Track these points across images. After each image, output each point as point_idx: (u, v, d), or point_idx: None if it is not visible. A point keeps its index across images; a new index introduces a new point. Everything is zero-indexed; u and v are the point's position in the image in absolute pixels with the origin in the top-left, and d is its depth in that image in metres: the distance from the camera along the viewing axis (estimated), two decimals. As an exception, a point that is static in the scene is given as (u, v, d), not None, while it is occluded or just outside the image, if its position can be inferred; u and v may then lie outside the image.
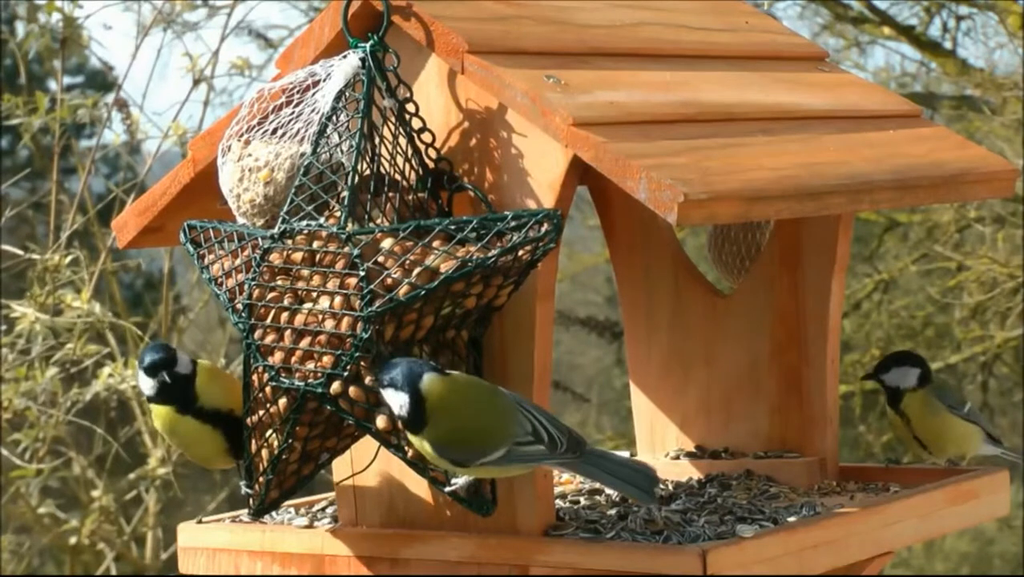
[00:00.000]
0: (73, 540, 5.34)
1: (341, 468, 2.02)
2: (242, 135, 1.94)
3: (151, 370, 2.04)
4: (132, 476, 5.36)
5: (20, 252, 4.98)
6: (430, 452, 1.80)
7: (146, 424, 5.17)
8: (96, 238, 5.17)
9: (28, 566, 5.80)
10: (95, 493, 5.30)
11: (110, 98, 5.07)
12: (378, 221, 1.87)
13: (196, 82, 5.00)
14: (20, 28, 5.77)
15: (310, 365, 1.83)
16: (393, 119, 1.91)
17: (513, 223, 1.80)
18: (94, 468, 5.40)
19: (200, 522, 2.10)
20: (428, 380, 1.77)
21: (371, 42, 1.90)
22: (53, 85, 6.22)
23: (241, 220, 1.92)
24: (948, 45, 7.28)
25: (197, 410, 2.03)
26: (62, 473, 5.28)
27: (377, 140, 1.89)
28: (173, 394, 2.04)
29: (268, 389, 1.87)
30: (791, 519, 1.95)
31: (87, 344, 4.83)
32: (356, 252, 1.80)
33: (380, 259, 1.80)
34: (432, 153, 1.92)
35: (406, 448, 1.84)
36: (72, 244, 4.94)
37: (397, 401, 1.78)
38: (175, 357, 2.04)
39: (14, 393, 4.76)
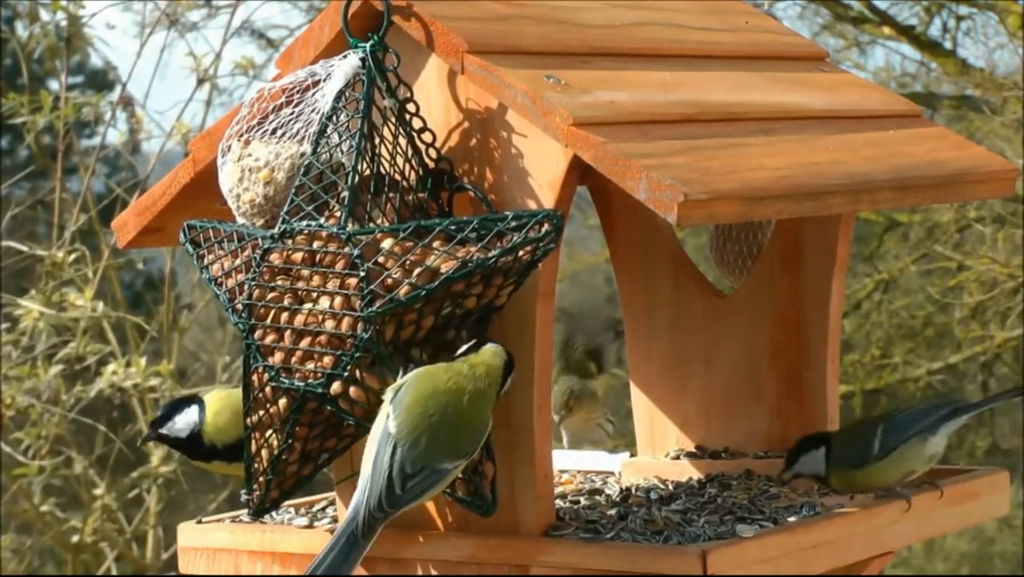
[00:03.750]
0: (75, 539, 5.35)
1: (341, 468, 2.02)
2: (242, 135, 1.94)
3: (151, 427, 2.12)
4: (135, 475, 5.36)
5: (24, 248, 4.98)
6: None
7: (147, 424, 5.17)
8: (98, 237, 5.18)
9: (28, 566, 5.80)
10: (97, 492, 5.30)
11: (113, 97, 5.07)
12: (378, 221, 1.86)
13: (200, 82, 5.00)
14: (20, 28, 5.77)
15: (310, 365, 1.83)
16: (393, 119, 1.91)
17: (513, 223, 1.80)
18: (95, 467, 5.40)
19: (200, 522, 2.10)
20: None
21: (371, 42, 1.90)
22: (53, 85, 6.22)
23: (241, 220, 1.92)
24: (948, 45, 7.28)
25: (209, 452, 2.07)
26: (63, 472, 5.28)
27: (377, 140, 1.89)
28: (181, 448, 2.11)
29: (268, 389, 1.87)
30: (791, 519, 1.95)
31: (90, 342, 4.83)
32: (356, 252, 1.80)
33: (380, 259, 1.80)
34: (432, 153, 1.92)
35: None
36: (74, 243, 4.95)
37: None
38: (168, 416, 2.10)
39: (16, 391, 4.77)
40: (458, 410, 1.80)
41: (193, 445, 2.09)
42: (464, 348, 1.84)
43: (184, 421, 2.09)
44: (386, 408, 1.79)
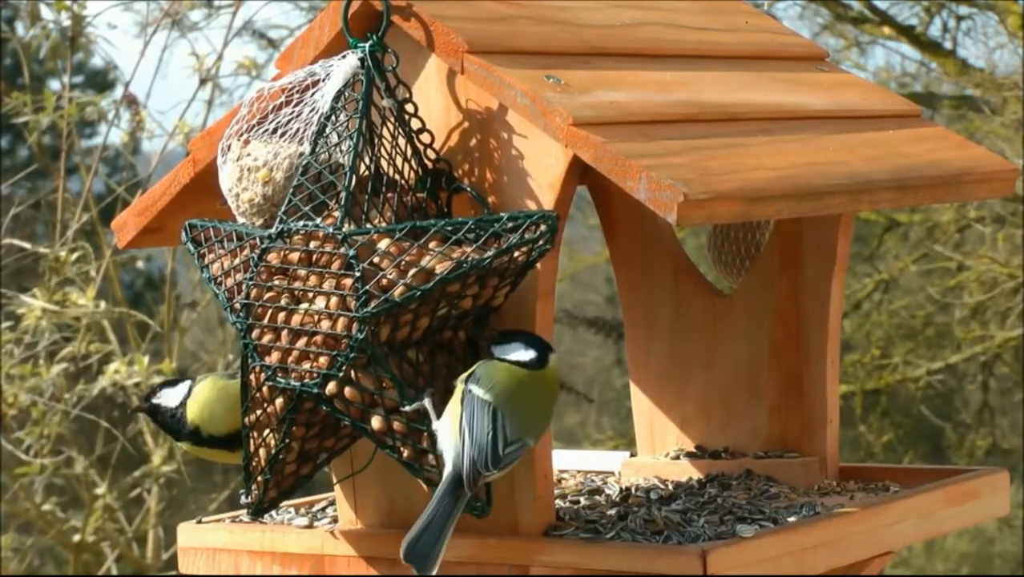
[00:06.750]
0: (76, 538, 5.35)
1: (341, 468, 2.02)
2: (241, 135, 1.94)
3: (144, 399, 2.14)
4: (136, 474, 5.36)
5: (27, 245, 4.99)
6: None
7: (147, 424, 5.17)
8: (99, 237, 5.18)
9: (29, 565, 5.80)
10: (98, 491, 5.31)
11: (115, 96, 5.08)
12: (376, 222, 1.86)
13: (203, 81, 5.00)
14: (20, 28, 5.77)
15: (306, 365, 1.83)
16: (392, 119, 1.91)
17: (509, 224, 1.80)
18: (96, 467, 5.41)
19: (200, 522, 2.10)
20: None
21: (370, 42, 1.91)
22: (54, 84, 6.22)
23: (241, 220, 1.92)
24: (948, 45, 7.29)
25: (192, 435, 2.07)
26: (64, 472, 5.29)
27: (376, 140, 1.89)
28: (162, 423, 2.11)
29: (265, 389, 1.87)
30: (791, 519, 1.95)
31: (92, 341, 4.84)
32: (352, 253, 1.80)
33: (376, 260, 1.80)
34: (431, 153, 1.92)
35: (400, 448, 1.83)
36: (76, 242, 4.95)
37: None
38: (157, 388, 2.11)
39: (19, 389, 4.77)
40: (537, 396, 1.84)
41: (176, 422, 2.09)
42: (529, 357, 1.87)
43: (174, 395, 2.09)
44: (462, 387, 1.80)
